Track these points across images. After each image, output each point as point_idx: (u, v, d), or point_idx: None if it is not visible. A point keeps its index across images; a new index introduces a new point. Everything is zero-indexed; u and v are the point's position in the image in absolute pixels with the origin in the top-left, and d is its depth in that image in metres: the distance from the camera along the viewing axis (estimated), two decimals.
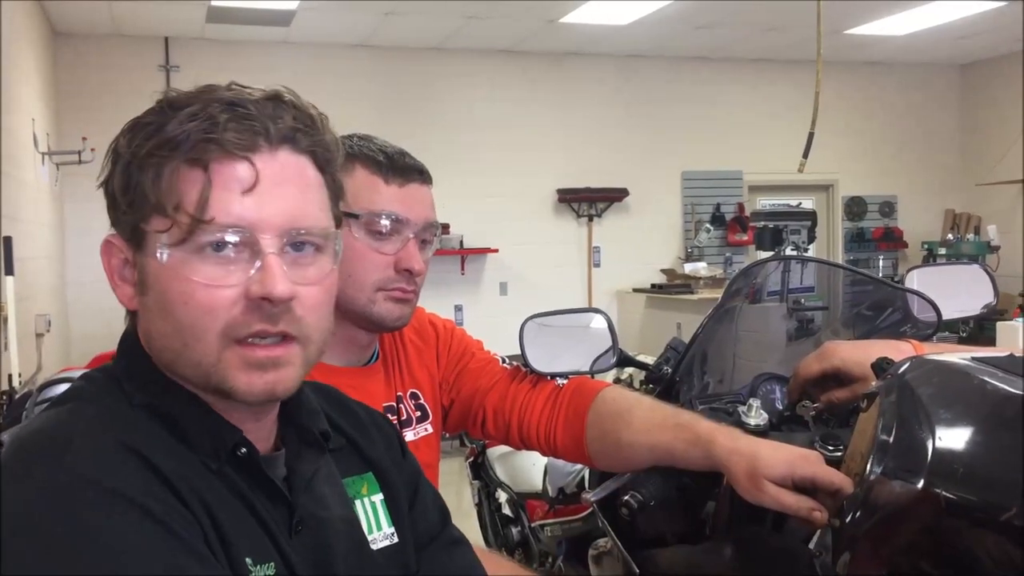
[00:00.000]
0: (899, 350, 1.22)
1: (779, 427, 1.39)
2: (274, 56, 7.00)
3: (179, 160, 0.78)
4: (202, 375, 0.80)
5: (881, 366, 1.16)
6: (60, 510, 0.68)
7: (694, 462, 1.15)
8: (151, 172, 0.79)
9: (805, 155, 4.07)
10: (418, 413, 1.37)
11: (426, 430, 1.37)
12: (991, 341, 5.10)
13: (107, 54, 6.63)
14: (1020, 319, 5.43)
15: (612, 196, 7.87)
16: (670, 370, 1.45)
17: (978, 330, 5.94)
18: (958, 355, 1.06)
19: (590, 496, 1.26)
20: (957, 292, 1.51)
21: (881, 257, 8.45)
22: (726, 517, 1.20)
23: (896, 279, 1.60)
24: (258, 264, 0.78)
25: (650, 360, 1.63)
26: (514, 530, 3.89)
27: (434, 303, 8.36)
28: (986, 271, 1.50)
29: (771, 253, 7.09)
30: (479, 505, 4.34)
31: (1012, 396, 0.91)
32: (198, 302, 0.78)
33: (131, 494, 0.71)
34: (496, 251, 7.61)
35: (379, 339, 1.36)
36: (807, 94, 5.16)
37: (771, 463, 1.06)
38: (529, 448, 1.36)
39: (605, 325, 1.42)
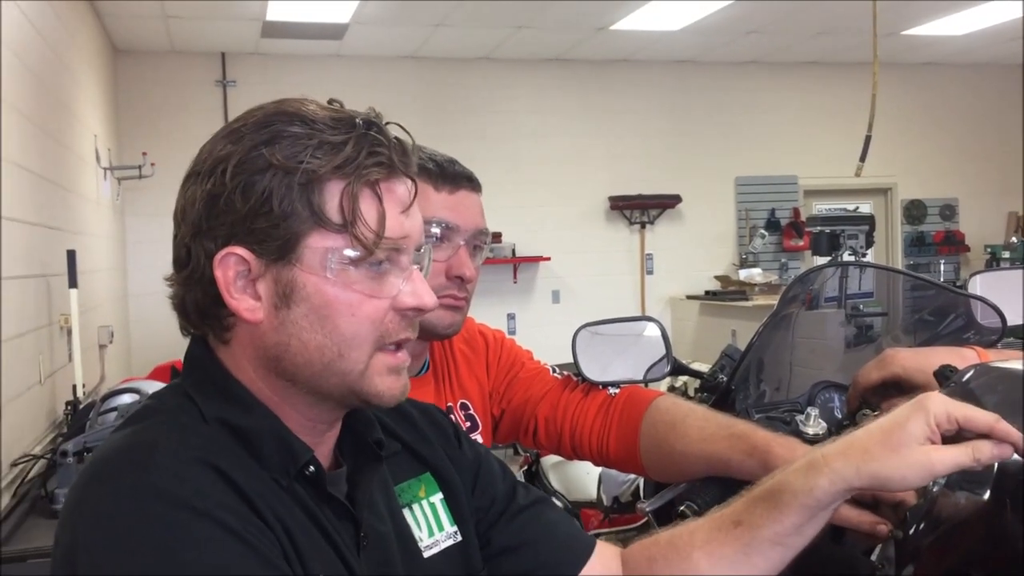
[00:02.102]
0: (963, 357, 1.19)
1: (838, 436, 1.36)
2: (327, 69, 7.09)
3: (352, 179, 0.80)
4: (350, 382, 0.83)
5: (944, 374, 1.13)
6: (143, 522, 0.70)
7: (751, 472, 1.13)
8: (316, 188, 0.80)
9: (862, 159, 4.02)
10: (468, 424, 1.37)
11: (476, 440, 1.37)
12: None
13: (165, 70, 6.78)
14: None
15: (665, 203, 7.83)
16: (725, 378, 1.43)
17: None
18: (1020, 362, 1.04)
19: (645, 506, 1.25)
20: (1021, 297, 1.47)
21: (943, 261, 8.26)
22: None
23: (958, 284, 1.56)
24: (405, 277, 0.84)
25: (705, 368, 1.61)
26: None
27: (487, 312, 8.38)
28: None
29: (828, 259, 6.99)
30: None
31: None
32: (365, 313, 0.82)
33: (210, 507, 0.72)
34: (548, 259, 7.62)
35: (429, 350, 1.37)
36: (862, 97, 5.09)
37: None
38: (581, 458, 1.35)
39: (659, 333, 1.40)
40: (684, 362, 1.46)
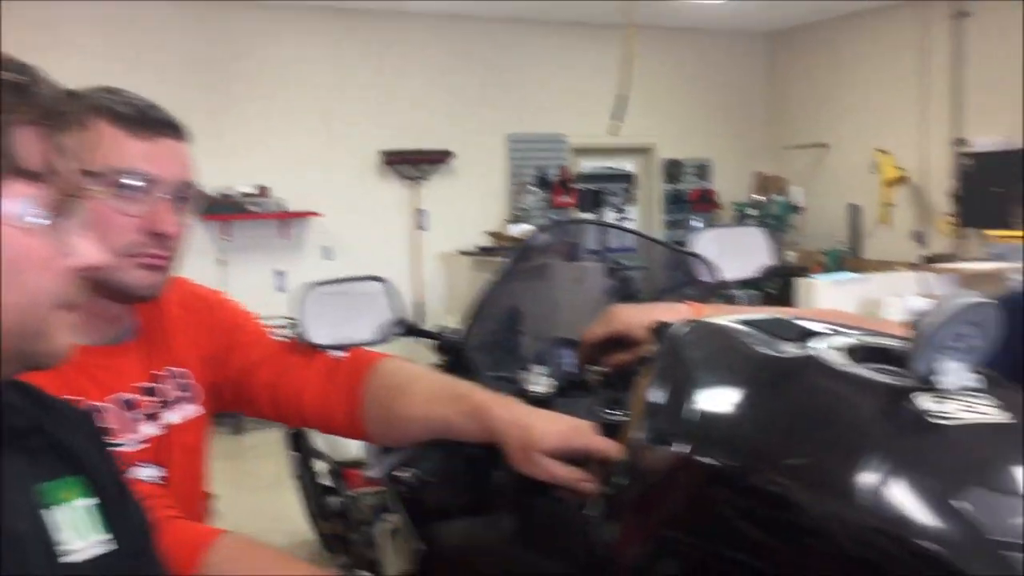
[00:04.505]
0: (677, 312, 1.23)
1: (568, 393, 1.38)
2: (80, 9, 6.49)
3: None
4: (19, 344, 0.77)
5: (658, 329, 1.15)
6: None
7: (471, 434, 1.12)
8: None
9: (615, 117, 4.15)
10: (183, 393, 1.27)
11: (192, 411, 1.27)
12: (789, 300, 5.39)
13: None
14: (820, 275, 5.78)
15: (437, 158, 7.82)
16: (459, 339, 1.41)
17: (785, 287, 6.26)
18: (730, 317, 1.07)
19: (371, 473, 1.21)
20: (739, 254, 1.55)
21: (697, 218, 8.77)
22: (510, 488, 1.17)
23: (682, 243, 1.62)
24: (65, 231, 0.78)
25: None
26: (333, 499, 3.83)
27: (252, 269, 8.04)
28: (765, 234, 1.54)
29: (593, 215, 7.25)
30: (300, 476, 4.24)
31: (769, 359, 0.91)
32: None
33: None
34: (320, 215, 7.42)
35: (138, 313, 1.25)
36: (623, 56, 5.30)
37: (544, 435, 1.04)
38: (307, 426, 1.29)
39: (389, 292, 1.36)
40: (441, 321, 1.43)
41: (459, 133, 7.90)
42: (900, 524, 0.74)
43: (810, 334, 0.97)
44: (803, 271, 7.53)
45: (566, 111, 8.21)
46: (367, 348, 1.31)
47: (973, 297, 0.80)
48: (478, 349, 1.38)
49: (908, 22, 7.38)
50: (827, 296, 4.78)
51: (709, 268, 1.36)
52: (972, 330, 0.82)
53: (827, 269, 7.41)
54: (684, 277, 1.47)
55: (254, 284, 6.86)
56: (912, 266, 5.98)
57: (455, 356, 1.39)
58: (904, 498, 0.75)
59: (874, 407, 0.82)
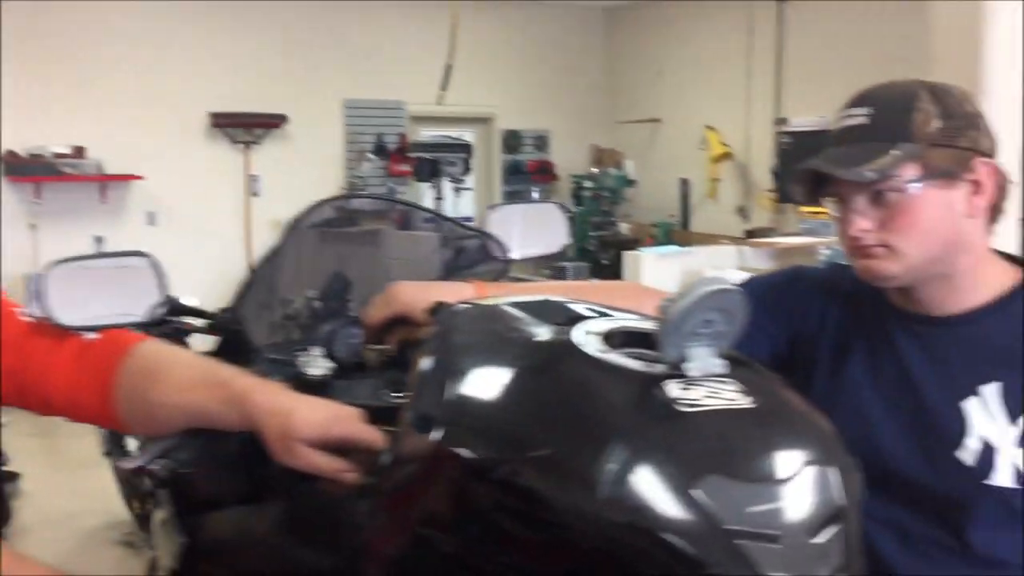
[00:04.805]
0: (459, 292, 1.19)
1: (353, 375, 1.33)
2: None
3: None
4: None
5: (435, 310, 1.11)
6: None
7: (230, 423, 1.05)
8: None
9: (443, 87, 4.10)
10: None
11: None
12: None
13: None
14: (647, 249, 5.93)
15: (270, 123, 7.56)
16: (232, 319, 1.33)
17: (617, 259, 6.38)
18: (504, 299, 1.04)
19: (126, 464, 1.12)
20: (536, 231, 1.53)
21: (536, 189, 8.85)
22: (275, 479, 1.11)
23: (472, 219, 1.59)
24: None
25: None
26: (145, 479, 3.65)
27: (68, 234, 7.57)
28: (562, 210, 1.52)
29: (429, 184, 7.18)
30: (109, 454, 4.03)
31: (526, 344, 0.89)
32: None
33: None
34: (142, 178, 7.05)
35: None
36: (462, 28, 5.22)
37: (305, 423, 0.98)
38: (56, 415, 1.18)
39: (152, 268, 1.26)
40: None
41: (294, 97, 7.65)
42: (641, 516, 0.73)
43: (577, 318, 0.95)
44: (636, 243, 7.73)
45: (405, 78, 8.07)
46: (128, 329, 1.21)
47: (717, 284, 0.80)
48: (257, 329, 1.30)
49: (737, 4, 7.63)
50: (653, 269, 4.90)
51: (499, 246, 1.33)
52: (719, 316, 0.81)
53: (658, 242, 7.63)
54: (477, 255, 1.43)
55: (70, 251, 6.34)
56: (734, 240, 6.23)
57: (231, 337, 1.31)
58: (645, 489, 0.74)
59: (622, 395, 0.80)
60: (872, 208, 1.20)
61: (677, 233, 7.90)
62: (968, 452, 1.19)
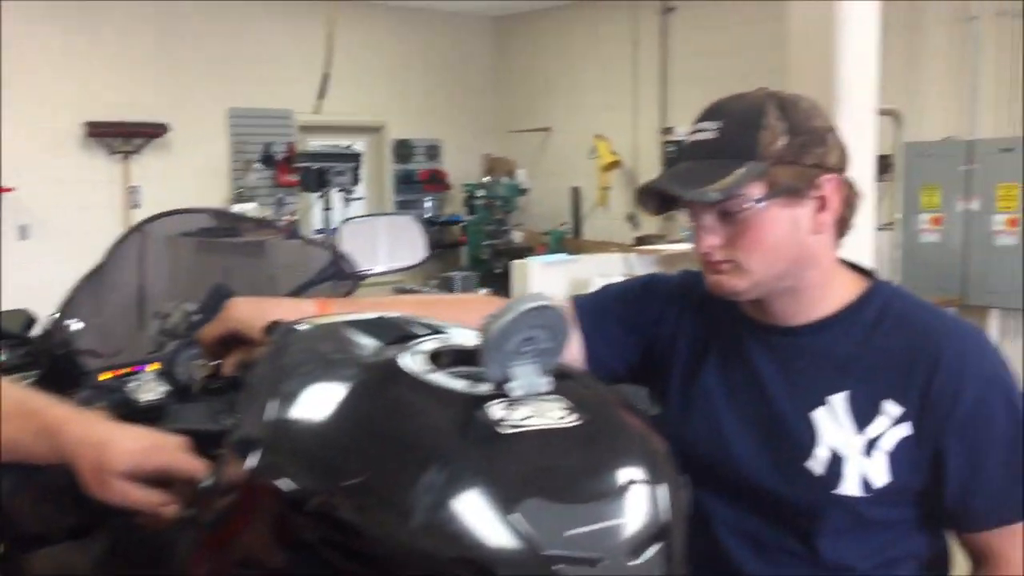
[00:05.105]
0: (299, 310, 1.14)
1: (196, 397, 1.26)
2: None
3: None
4: None
5: (270, 329, 1.06)
6: None
7: (42, 456, 0.98)
8: None
9: (320, 96, 4.02)
10: None
11: None
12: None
13: None
14: (535, 257, 5.94)
15: (151, 132, 7.31)
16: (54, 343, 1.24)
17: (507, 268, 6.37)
18: (340, 317, 1.00)
19: None
20: (393, 245, 1.49)
21: (428, 199, 8.80)
22: (101, 510, 1.04)
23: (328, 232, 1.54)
24: None
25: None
26: None
27: None
28: (418, 223, 1.49)
29: (318, 194, 7.05)
30: None
31: (351, 365, 0.85)
32: None
33: None
34: (11, 190, 6.71)
35: None
36: (357, 36, 5.16)
37: (118, 455, 0.92)
38: None
39: None
40: None
41: (176, 105, 7.42)
42: (458, 544, 0.70)
43: (409, 336, 0.92)
44: (529, 251, 7.75)
45: (292, 86, 7.90)
46: None
47: (536, 301, 0.78)
48: (83, 352, 1.22)
49: (623, 14, 7.75)
50: (540, 277, 4.91)
51: (347, 261, 1.29)
52: (541, 333, 0.79)
53: (550, 250, 7.67)
54: (329, 270, 1.38)
55: None
56: (622, 247, 6.30)
57: (50, 363, 1.23)
58: (462, 515, 0.71)
59: (442, 418, 0.77)
60: (720, 225, 1.19)
61: (569, 241, 7.96)
62: (817, 462, 1.21)
